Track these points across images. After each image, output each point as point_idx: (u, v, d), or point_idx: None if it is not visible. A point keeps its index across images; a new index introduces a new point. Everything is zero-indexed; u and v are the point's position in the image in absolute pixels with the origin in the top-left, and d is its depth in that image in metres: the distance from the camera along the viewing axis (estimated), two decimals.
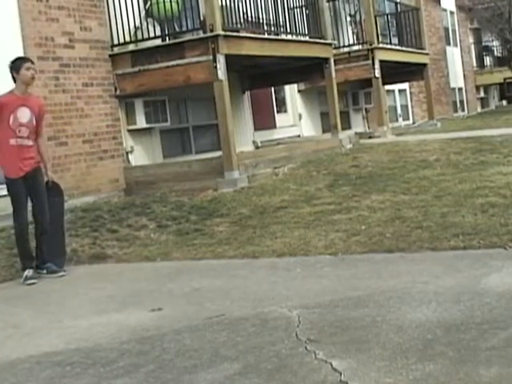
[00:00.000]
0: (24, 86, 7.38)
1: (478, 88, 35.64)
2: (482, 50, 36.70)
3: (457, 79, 32.28)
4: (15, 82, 7.39)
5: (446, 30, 32.15)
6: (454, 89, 31.77)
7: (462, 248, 6.24)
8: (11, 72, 7.41)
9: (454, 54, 32.41)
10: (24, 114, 7.30)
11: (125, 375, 4.05)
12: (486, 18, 33.52)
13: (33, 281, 7.20)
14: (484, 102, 36.79)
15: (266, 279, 6.12)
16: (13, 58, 7.62)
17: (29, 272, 7.28)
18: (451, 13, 33.41)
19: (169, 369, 4.06)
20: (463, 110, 32.75)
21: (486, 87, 36.98)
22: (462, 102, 32.98)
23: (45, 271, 7.45)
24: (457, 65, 32.75)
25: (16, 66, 7.40)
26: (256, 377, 3.76)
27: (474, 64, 35.91)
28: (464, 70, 33.69)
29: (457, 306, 4.53)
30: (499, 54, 36.36)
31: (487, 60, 36.87)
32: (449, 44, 31.98)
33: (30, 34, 10.17)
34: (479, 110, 34.77)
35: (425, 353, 3.76)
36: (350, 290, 5.29)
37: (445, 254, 6.17)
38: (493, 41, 36.69)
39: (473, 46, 36.06)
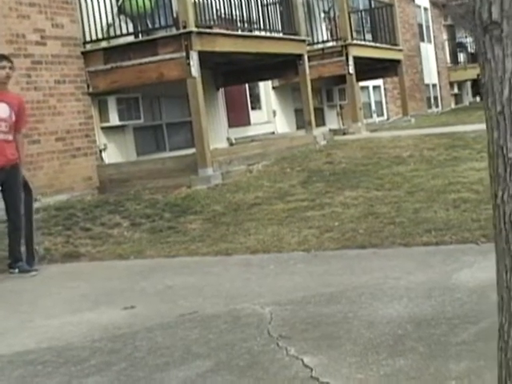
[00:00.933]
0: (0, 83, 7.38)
1: (451, 84, 35.80)
2: (456, 47, 36.91)
3: (431, 75, 32.43)
4: None
5: (420, 26, 32.28)
6: (428, 85, 31.91)
7: (434, 243, 6.28)
8: None
9: (428, 50, 32.56)
10: (2, 110, 7.26)
11: (96, 373, 4.04)
12: (459, 14, 33.71)
13: None
14: (458, 98, 36.98)
15: (239, 276, 6.13)
16: None
17: None
18: (425, 9, 33.56)
19: (140, 367, 4.05)
20: (437, 106, 32.91)
21: (460, 83, 37.16)
22: (436, 98, 33.14)
23: (17, 270, 7.38)
24: (431, 61, 32.91)
25: None
26: (228, 374, 3.77)
27: (448, 60, 36.09)
28: (438, 67, 33.86)
29: (428, 301, 4.56)
30: (472, 51, 36.55)
31: (461, 56, 37.08)
32: (423, 40, 32.12)
33: (1, 30, 10.09)
34: (453, 106, 34.94)
35: (395, 348, 3.78)
36: (322, 287, 5.30)
37: (417, 250, 6.21)
38: (466, 37, 36.90)
39: (447, 43, 36.25)
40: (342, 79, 18.58)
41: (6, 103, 7.33)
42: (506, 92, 2.27)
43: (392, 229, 6.99)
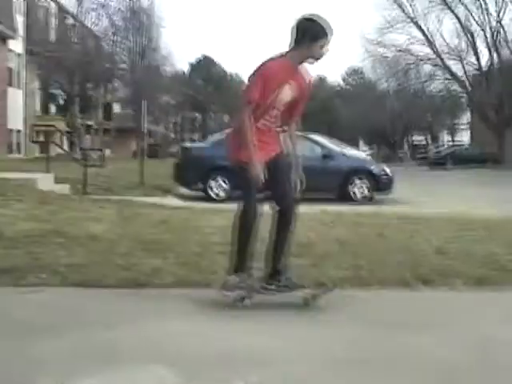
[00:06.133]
0: (304, 60, 5.30)
1: (38, 133, 36.09)
2: (48, 96, 37.45)
3: (16, 121, 32.42)
4: (296, 44, 5.25)
5: (11, 70, 32.26)
6: (12, 130, 31.86)
7: None
8: (300, 32, 5.23)
9: (16, 95, 32.59)
10: (287, 93, 5.33)
11: None
12: (52, 66, 34.44)
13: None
14: (43, 146, 37.31)
15: None
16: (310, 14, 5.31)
17: (241, 283, 5.35)
18: (19, 55, 33.65)
19: None
20: (19, 151, 32.95)
21: (48, 133, 37.56)
22: (18, 144, 33.16)
23: (280, 283, 5.46)
24: (18, 107, 32.95)
25: (315, 32, 5.21)
26: None
27: (38, 108, 36.42)
28: (25, 113, 34.00)
29: None
30: (63, 102, 37.45)
31: (52, 106, 37.70)
32: (11, 85, 32.09)
33: None
34: (37, 154, 35.19)
35: None
36: None
37: None
38: (58, 88, 37.71)
39: (38, 91, 36.61)
40: None
41: (293, 85, 5.37)
42: None
43: None
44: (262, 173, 5.15)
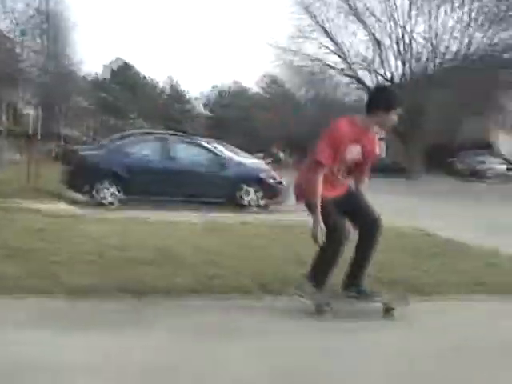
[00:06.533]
0: (376, 126, 5.69)
1: None
2: None
3: None
4: (370, 111, 5.60)
5: None
6: None
7: None
8: (375, 102, 5.62)
9: None
10: (355, 153, 5.65)
11: None
12: None
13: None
14: None
15: None
16: (385, 85, 5.34)
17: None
18: None
19: None
20: None
21: None
22: None
23: (354, 293, 5.71)
24: None
25: (389, 102, 5.59)
26: None
27: None
28: None
29: None
30: None
31: None
32: None
33: None
34: None
35: None
36: None
37: None
38: None
39: None
40: None
41: (361, 146, 5.70)
42: None
43: None
44: (322, 235, 5.35)
